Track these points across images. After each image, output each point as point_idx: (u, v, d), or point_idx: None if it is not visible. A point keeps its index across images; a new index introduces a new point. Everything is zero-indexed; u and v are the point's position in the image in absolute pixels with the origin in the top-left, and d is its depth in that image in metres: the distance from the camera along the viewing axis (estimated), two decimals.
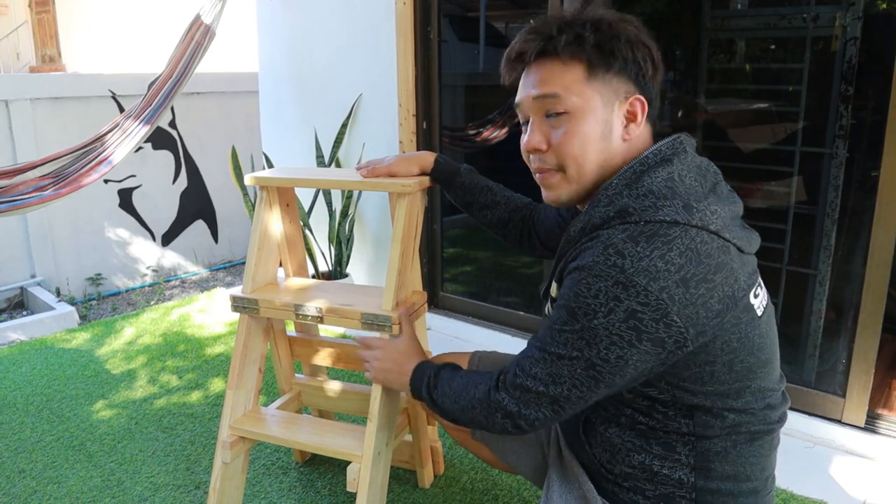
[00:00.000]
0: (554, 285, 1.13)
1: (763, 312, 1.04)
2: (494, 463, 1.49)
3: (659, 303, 0.92)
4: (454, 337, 3.01)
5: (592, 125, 1.06)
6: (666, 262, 0.93)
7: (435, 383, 1.26)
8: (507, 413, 1.09)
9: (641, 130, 1.09)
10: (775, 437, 1.12)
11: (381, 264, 3.26)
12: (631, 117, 1.08)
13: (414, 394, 1.31)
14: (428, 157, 1.58)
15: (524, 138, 1.13)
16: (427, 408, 1.29)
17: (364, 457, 1.46)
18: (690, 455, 1.06)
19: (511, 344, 2.79)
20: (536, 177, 1.14)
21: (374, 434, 1.46)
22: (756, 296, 1.03)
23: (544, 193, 1.14)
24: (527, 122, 1.13)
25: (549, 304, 1.16)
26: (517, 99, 1.14)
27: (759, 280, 1.07)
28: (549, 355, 1.03)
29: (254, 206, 1.94)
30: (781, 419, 1.10)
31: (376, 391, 1.48)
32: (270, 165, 3.46)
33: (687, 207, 0.98)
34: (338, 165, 3.25)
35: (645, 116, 1.08)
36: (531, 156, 1.13)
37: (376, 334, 1.51)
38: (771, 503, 1.14)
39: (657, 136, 1.12)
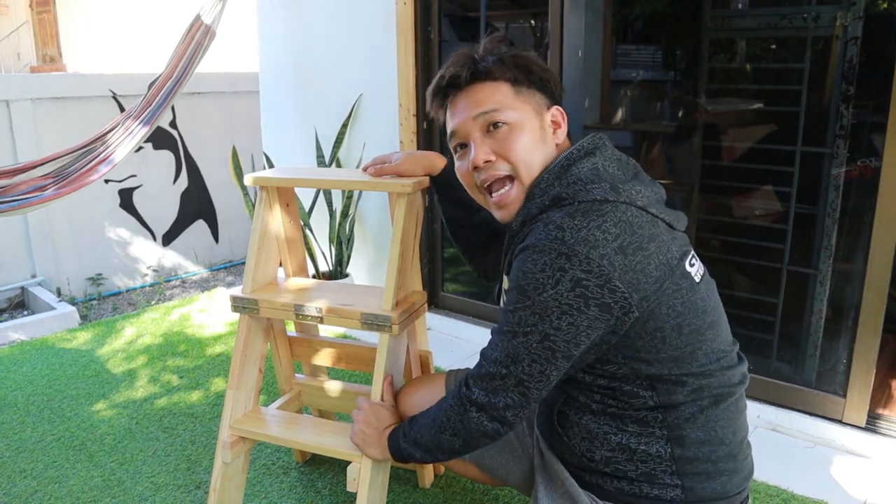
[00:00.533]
0: (505, 279, 1.20)
1: (701, 280, 1.14)
2: (484, 480, 1.50)
3: (601, 269, 1.01)
4: (454, 337, 3.01)
5: (530, 133, 1.17)
6: (603, 232, 1.02)
7: (409, 427, 1.30)
8: (480, 406, 1.13)
9: (564, 138, 1.22)
10: (741, 401, 1.18)
11: (382, 264, 3.26)
12: (556, 125, 1.21)
13: (392, 450, 1.33)
14: (436, 161, 1.56)
15: (470, 157, 1.19)
16: (409, 458, 1.30)
17: (364, 457, 1.46)
18: (663, 427, 1.11)
19: None
20: (490, 197, 1.20)
21: None
22: (692, 265, 1.12)
23: (500, 212, 1.20)
24: (463, 145, 1.23)
25: (503, 298, 1.22)
26: (452, 127, 1.23)
27: (693, 252, 1.15)
28: (505, 336, 1.09)
29: (254, 206, 1.94)
30: (743, 380, 1.17)
31: (376, 392, 1.48)
32: (271, 165, 3.46)
33: (614, 188, 1.08)
34: (338, 165, 3.25)
35: (566, 124, 1.22)
36: (477, 172, 1.20)
37: (376, 336, 1.51)
38: (750, 467, 1.20)
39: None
